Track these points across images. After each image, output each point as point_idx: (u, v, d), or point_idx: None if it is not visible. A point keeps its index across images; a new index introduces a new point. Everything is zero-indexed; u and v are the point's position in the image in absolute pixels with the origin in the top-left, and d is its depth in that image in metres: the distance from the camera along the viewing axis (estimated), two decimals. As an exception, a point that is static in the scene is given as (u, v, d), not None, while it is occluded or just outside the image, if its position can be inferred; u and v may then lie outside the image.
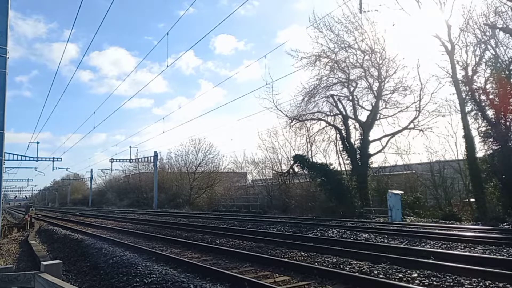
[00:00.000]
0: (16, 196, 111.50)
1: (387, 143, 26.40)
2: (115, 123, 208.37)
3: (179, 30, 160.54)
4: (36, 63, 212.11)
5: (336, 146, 28.59)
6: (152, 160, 52.25)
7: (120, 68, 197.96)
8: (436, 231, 13.58)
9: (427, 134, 24.82)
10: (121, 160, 54.56)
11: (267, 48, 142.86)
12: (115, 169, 68.32)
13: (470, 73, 20.47)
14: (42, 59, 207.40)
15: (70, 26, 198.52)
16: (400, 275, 6.74)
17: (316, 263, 8.13)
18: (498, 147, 19.06)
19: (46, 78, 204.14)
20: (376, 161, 27.06)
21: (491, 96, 19.63)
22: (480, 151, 20.11)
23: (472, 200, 20.89)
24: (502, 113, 19.00)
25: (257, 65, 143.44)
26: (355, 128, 27.18)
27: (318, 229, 14.43)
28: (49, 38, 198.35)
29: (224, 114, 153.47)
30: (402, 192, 21.39)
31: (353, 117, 27.12)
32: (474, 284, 6.02)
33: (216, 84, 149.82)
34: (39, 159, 46.69)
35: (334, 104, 27.58)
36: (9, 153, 41.67)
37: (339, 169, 27.49)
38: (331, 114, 28.03)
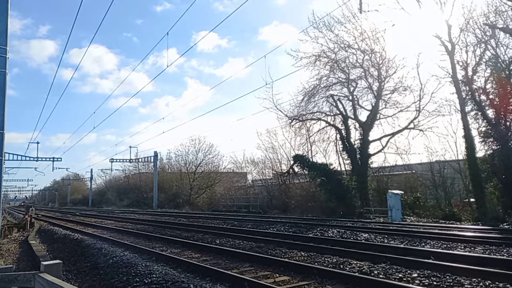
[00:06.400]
0: (16, 196, 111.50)
1: (387, 143, 26.43)
2: (104, 122, 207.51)
3: (158, 26, 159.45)
4: (15, 60, 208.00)
5: (336, 146, 28.62)
6: (152, 160, 52.27)
7: (102, 67, 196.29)
8: (436, 231, 13.58)
9: (427, 134, 24.88)
10: (121, 160, 54.62)
11: (250, 46, 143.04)
12: (115, 169, 68.24)
13: (470, 73, 20.47)
14: (20, 57, 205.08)
15: (45, 22, 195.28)
16: (400, 275, 6.74)
17: (316, 263, 8.13)
18: (498, 147, 19.06)
19: (28, 76, 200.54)
20: (376, 161, 27.11)
21: (491, 96, 19.63)
22: (480, 151, 20.16)
23: (472, 200, 20.89)
24: (502, 113, 18.99)
25: (241, 62, 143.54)
26: (355, 128, 27.22)
27: (318, 229, 14.42)
28: (24, 34, 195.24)
29: (218, 114, 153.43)
30: (402, 192, 21.38)
31: (353, 117, 27.15)
32: (474, 284, 6.02)
33: (213, 86, 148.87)
34: (39, 159, 46.76)
35: (334, 104, 27.60)
36: (9, 153, 41.72)
37: (339, 169, 27.52)
38: (331, 114, 28.05)
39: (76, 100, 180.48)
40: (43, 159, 48.11)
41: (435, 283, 6.20)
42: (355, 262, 8.05)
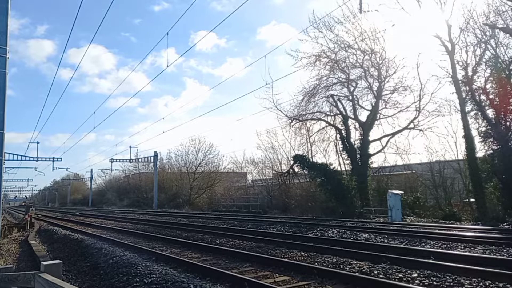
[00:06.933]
0: (16, 196, 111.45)
1: (387, 143, 26.44)
2: (103, 122, 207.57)
3: (156, 26, 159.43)
4: (13, 60, 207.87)
5: (336, 146, 28.63)
6: (152, 160, 52.27)
7: (101, 66, 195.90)
8: (436, 231, 13.58)
9: (427, 134, 24.89)
10: (121, 160, 54.60)
11: (249, 45, 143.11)
12: (115, 169, 68.25)
13: (470, 73, 20.48)
14: (18, 56, 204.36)
15: (42, 21, 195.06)
16: (400, 275, 6.74)
17: (316, 263, 8.13)
18: (498, 147, 19.06)
19: (26, 76, 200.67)
20: (376, 161, 27.12)
21: (491, 96, 19.63)
22: (480, 151, 20.15)
23: (472, 200, 20.89)
24: (502, 113, 19.00)
25: (240, 62, 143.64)
26: (355, 128, 27.23)
27: (318, 229, 14.42)
28: (22, 34, 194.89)
29: (218, 114, 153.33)
30: (402, 192, 21.39)
31: (353, 117, 27.14)
32: (474, 284, 6.02)
33: (212, 86, 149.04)
34: (39, 159, 46.76)
35: (334, 104, 27.60)
36: (9, 153, 41.74)
37: (339, 169, 27.51)
38: (331, 114, 28.05)
39: (74, 100, 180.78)
40: (43, 159, 48.16)
41: (435, 283, 6.20)
42: (355, 262, 8.05)
